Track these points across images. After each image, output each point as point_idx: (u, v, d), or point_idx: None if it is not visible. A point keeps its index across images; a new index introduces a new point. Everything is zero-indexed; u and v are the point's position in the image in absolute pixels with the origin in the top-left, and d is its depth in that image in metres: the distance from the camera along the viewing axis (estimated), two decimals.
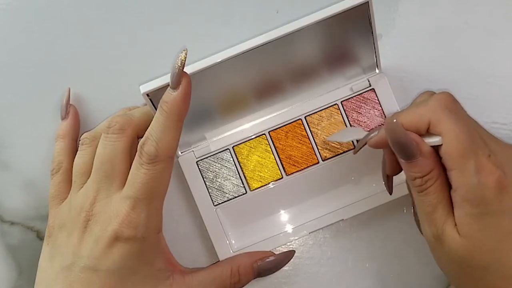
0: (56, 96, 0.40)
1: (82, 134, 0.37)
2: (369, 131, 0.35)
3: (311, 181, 0.39)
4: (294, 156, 0.39)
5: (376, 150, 0.38)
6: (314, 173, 0.39)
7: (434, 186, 0.30)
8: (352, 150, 0.39)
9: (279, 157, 0.39)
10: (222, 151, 0.39)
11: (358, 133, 0.36)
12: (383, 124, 0.35)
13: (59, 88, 0.40)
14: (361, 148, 0.35)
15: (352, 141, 0.38)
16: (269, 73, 0.36)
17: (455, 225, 0.30)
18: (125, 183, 0.33)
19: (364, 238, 0.40)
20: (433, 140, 0.30)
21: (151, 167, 0.32)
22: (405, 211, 0.40)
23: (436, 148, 0.30)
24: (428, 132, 0.31)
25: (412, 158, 0.30)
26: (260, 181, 0.39)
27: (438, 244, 0.31)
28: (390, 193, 0.37)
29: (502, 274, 0.29)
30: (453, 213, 0.30)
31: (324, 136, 0.39)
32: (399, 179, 0.38)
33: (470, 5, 0.40)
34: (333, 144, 0.39)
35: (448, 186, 0.30)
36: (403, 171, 0.32)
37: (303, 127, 0.39)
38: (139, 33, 0.41)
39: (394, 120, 0.30)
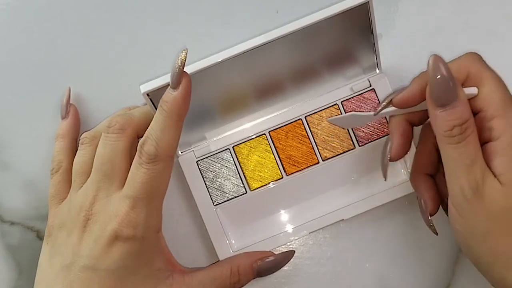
0: (56, 96, 0.40)
1: (82, 134, 0.37)
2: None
3: (311, 181, 0.39)
4: (294, 156, 0.39)
5: (376, 150, 0.38)
6: (314, 173, 0.39)
7: (473, 135, 0.29)
8: (351, 151, 0.39)
9: (279, 157, 0.39)
10: (222, 151, 0.39)
11: (361, 119, 0.35)
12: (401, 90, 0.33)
13: (59, 88, 0.40)
14: (384, 108, 0.33)
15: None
16: (269, 73, 0.36)
17: (495, 176, 0.29)
18: (125, 183, 0.33)
19: (364, 238, 0.40)
20: (469, 93, 0.30)
21: (151, 167, 0.32)
22: (406, 203, 0.39)
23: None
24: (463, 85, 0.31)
25: (451, 101, 0.29)
26: (260, 181, 0.39)
27: (478, 197, 0.29)
28: (385, 179, 0.36)
29: None
30: (489, 166, 0.30)
31: (325, 136, 0.39)
32: (399, 179, 0.38)
33: (470, 5, 0.40)
34: (333, 144, 0.39)
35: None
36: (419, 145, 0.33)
37: (303, 127, 0.39)
38: (139, 33, 0.41)
39: (441, 58, 0.29)
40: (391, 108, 0.33)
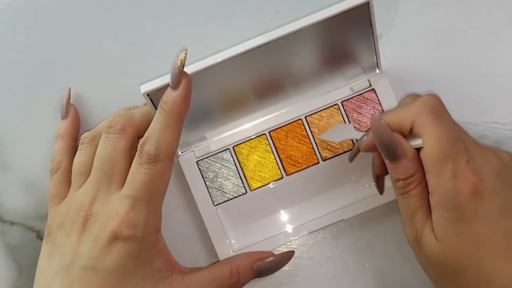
0: (56, 96, 0.40)
1: (82, 134, 0.37)
2: (358, 130, 0.36)
3: (311, 181, 0.39)
4: (294, 156, 0.39)
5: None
6: (314, 173, 0.39)
7: (416, 190, 0.31)
8: (351, 151, 0.39)
9: (279, 157, 0.39)
10: (222, 151, 0.39)
11: (349, 133, 0.36)
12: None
13: (59, 88, 0.40)
14: (356, 155, 0.36)
15: (352, 141, 0.38)
16: (270, 73, 0.36)
17: (433, 229, 0.30)
18: (124, 183, 0.33)
19: (364, 238, 0.40)
20: (416, 143, 0.30)
21: (151, 167, 0.32)
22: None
23: (418, 151, 0.31)
24: (411, 134, 0.31)
25: (396, 159, 0.31)
26: (260, 181, 0.39)
27: (418, 247, 0.31)
28: (381, 193, 0.37)
29: (478, 279, 0.29)
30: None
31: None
32: None
33: (470, 5, 0.40)
34: (333, 144, 0.39)
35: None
36: None
37: (303, 127, 0.39)
38: (139, 33, 0.41)
39: (382, 121, 0.30)
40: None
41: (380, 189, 0.37)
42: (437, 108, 0.31)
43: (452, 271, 0.30)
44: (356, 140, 0.37)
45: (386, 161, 0.31)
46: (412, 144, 0.31)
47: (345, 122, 0.39)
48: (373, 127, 0.31)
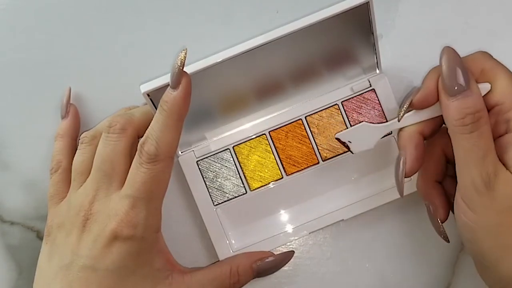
0: (56, 96, 0.40)
1: (82, 133, 0.37)
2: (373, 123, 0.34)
3: (311, 181, 0.39)
4: (294, 156, 0.39)
5: (377, 150, 0.38)
6: (314, 173, 0.39)
7: (486, 127, 0.29)
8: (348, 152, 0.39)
9: (279, 157, 0.39)
10: (222, 151, 0.39)
11: (371, 136, 0.34)
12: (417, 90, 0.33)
13: (59, 88, 0.40)
14: (406, 112, 0.33)
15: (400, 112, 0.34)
16: (270, 73, 0.36)
17: (507, 169, 0.29)
18: (124, 183, 0.33)
19: (364, 238, 0.40)
20: (482, 87, 0.31)
21: (151, 167, 0.32)
22: (406, 203, 0.39)
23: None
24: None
25: (463, 90, 0.29)
26: (260, 181, 0.39)
27: (488, 192, 0.29)
28: (402, 195, 0.34)
29: None
30: (502, 159, 0.30)
31: (324, 137, 0.39)
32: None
33: (470, 5, 0.40)
34: (333, 144, 0.39)
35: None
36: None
37: (303, 127, 0.39)
38: (139, 33, 0.41)
39: (450, 47, 0.30)
40: (410, 113, 0.33)
41: (401, 190, 0.34)
42: (494, 58, 0.32)
43: None
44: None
45: (449, 101, 0.30)
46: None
47: (345, 122, 0.39)
48: (444, 55, 0.30)
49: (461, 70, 0.30)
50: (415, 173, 0.33)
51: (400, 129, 0.34)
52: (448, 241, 0.34)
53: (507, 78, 0.30)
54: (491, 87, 0.31)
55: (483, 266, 0.31)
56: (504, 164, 0.30)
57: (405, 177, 0.33)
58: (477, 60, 0.32)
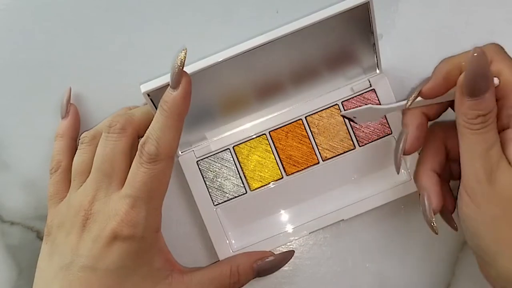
0: (56, 96, 0.40)
1: (82, 133, 0.37)
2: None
3: (311, 181, 0.39)
4: (294, 156, 0.39)
5: (376, 150, 0.38)
6: (314, 173, 0.39)
7: (494, 123, 0.30)
8: (351, 151, 0.39)
9: (279, 157, 0.39)
10: (222, 150, 0.39)
11: (375, 115, 0.36)
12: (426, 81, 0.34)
13: (59, 88, 0.40)
14: (415, 99, 0.34)
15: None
16: (270, 73, 0.36)
17: (509, 163, 0.30)
18: (124, 183, 0.33)
19: (364, 238, 0.40)
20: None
21: (151, 167, 0.32)
22: (402, 207, 0.39)
23: None
24: None
25: (482, 93, 0.30)
26: (260, 181, 0.39)
27: (489, 184, 0.30)
28: (398, 172, 0.35)
29: None
30: (504, 153, 0.30)
31: (324, 137, 0.39)
32: (399, 180, 0.38)
33: (470, 5, 0.40)
34: (333, 144, 0.39)
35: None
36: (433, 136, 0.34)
37: (303, 127, 0.39)
38: (139, 33, 0.41)
39: (482, 52, 0.29)
40: (418, 99, 0.34)
41: (398, 167, 0.35)
42: (505, 51, 0.32)
43: None
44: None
45: (465, 98, 0.30)
46: None
47: (344, 122, 0.39)
48: (476, 57, 0.29)
49: (486, 77, 0.30)
50: (414, 152, 0.34)
51: (405, 109, 0.34)
52: (437, 233, 0.34)
53: None
54: (499, 82, 0.31)
55: (484, 262, 0.31)
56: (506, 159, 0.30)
57: (403, 154, 0.34)
58: (489, 53, 0.31)
